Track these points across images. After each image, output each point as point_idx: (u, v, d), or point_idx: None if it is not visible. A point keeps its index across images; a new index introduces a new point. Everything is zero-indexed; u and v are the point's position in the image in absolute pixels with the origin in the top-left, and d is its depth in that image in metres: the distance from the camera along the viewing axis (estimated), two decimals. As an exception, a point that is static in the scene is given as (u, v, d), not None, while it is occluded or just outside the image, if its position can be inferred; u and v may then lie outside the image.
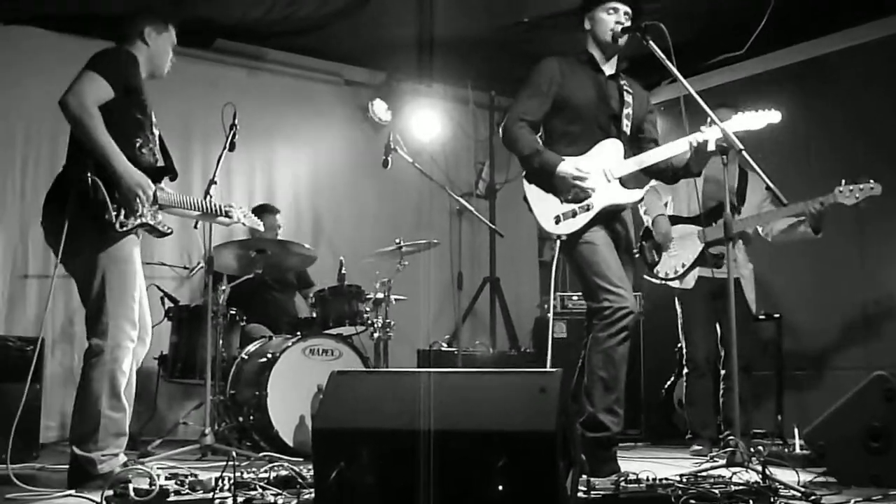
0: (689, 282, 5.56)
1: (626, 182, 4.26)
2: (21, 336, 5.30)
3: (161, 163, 3.97)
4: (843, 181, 5.07)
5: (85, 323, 3.81)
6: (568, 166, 4.14)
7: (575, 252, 4.21)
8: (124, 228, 3.70)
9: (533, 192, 4.27)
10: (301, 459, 4.63)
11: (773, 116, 4.27)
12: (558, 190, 4.19)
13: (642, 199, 4.35)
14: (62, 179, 3.74)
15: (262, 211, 6.66)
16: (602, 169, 4.21)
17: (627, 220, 4.41)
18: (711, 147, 4.15)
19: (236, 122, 5.03)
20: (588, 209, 4.17)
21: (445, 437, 2.87)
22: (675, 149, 4.22)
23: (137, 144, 3.80)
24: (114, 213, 3.65)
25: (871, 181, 5.07)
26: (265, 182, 7.58)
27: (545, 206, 4.23)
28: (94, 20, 6.59)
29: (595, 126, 4.29)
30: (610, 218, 4.26)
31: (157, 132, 4.00)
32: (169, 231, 3.99)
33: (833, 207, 5.11)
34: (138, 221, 3.76)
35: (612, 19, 4.27)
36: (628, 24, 4.26)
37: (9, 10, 6.41)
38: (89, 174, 3.60)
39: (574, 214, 4.18)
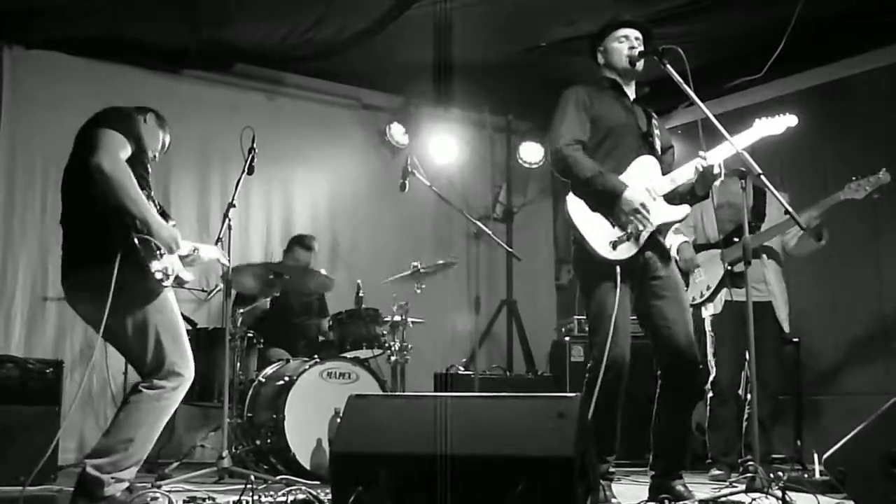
0: (718, 306, 5.55)
1: (669, 199, 4.19)
2: (40, 358, 5.32)
3: None
4: (853, 177, 5.08)
5: (140, 371, 3.81)
6: (635, 192, 4.04)
7: (589, 286, 4.15)
8: (168, 282, 3.75)
9: (581, 215, 4.11)
10: (318, 483, 4.63)
11: (790, 121, 4.27)
12: (616, 214, 4.07)
13: (688, 216, 4.30)
14: (100, 243, 3.68)
15: (295, 243, 6.67)
16: (645, 187, 4.12)
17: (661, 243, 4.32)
18: (717, 170, 4.13)
19: (255, 145, 5.06)
20: (639, 231, 4.06)
21: (463, 462, 2.87)
22: (687, 173, 4.19)
23: (145, 195, 3.82)
24: (160, 269, 3.68)
25: (881, 171, 5.06)
26: (283, 205, 7.62)
27: (596, 230, 4.07)
28: (116, 45, 6.67)
29: (625, 144, 4.23)
30: (655, 237, 4.18)
31: (153, 193, 3.99)
32: (190, 279, 4.05)
33: (844, 210, 5.11)
34: (174, 276, 3.82)
35: (624, 47, 4.26)
36: (641, 48, 4.25)
37: (32, 36, 6.49)
38: (135, 234, 3.62)
39: (629, 238, 4.05)
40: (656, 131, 4.31)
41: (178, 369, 3.78)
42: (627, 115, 4.29)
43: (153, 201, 3.90)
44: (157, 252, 3.68)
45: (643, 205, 4.03)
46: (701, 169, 4.10)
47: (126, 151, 3.70)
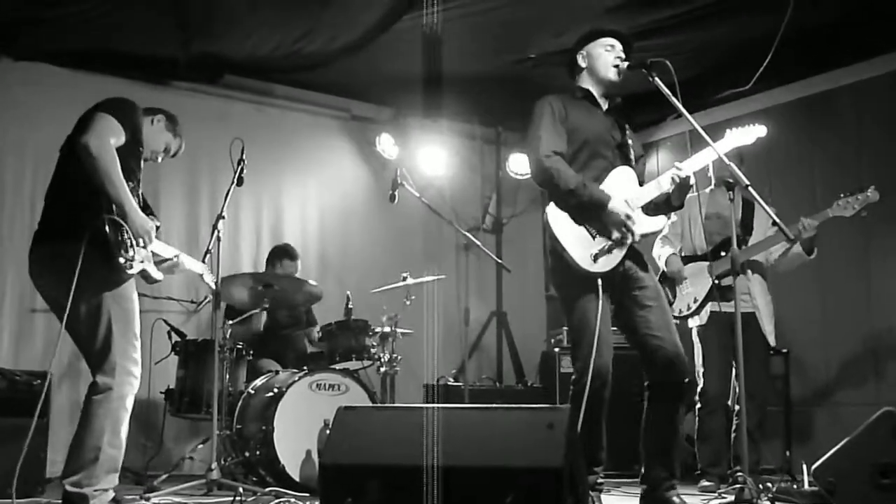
0: (703, 317, 5.55)
1: (645, 209, 4.17)
2: (28, 370, 5.30)
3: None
4: (842, 194, 5.10)
5: (87, 361, 3.83)
6: (620, 203, 4.02)
7: (571, 298, 4.11)
8: (132, 271, 3.73)
9: (562, 228, 4.08)
10: (307, 495, 4.61)
11: (759, 131, 4.33)
12: (601, 225, 4.06)
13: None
14: (71, 219, 3.73)
15: (281, 255, 6.64)
16: (623, 198, 4.09)
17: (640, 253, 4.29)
18: (693, 180, 4.14)
19: (244, 156, 5.05)
20: (622, 243, 4.06)
21: (453, 473, 2.87)
22: (664, 184, 4.19)
23: (129, 187, 3.82)
24: (125, 255, 3.68)
25: (870, 189, 5.09)
26: (273, 217, 7.61)
27: (577, 243, 4.05)
28: (105, 57, 6.67)
29: (602, 155, 4.21)
30: (633, 247, 4.16)
31: (141, 189, 4.03)
32: (160, 279, 4.06)
33: (835, 225, 5.12)
34: (142, 266, 3.81)
35: (611, 56, 4.24)
36: (625, 62, 4.23)
37: (20, 47, 6.48)
38: (107, 216, 3.63)
39: (610, 250, 4.04)
40: (630, 142, 4.31)
41: (125, 366, 3.76)
42: (602, 126, 4.27)
43: (138, 194, 3.91)
44: (126, 240, 3.67)
45: (628, 216, 4.04)
46: (677, 180, 4.11)
47: (118, 138, 3.74)
